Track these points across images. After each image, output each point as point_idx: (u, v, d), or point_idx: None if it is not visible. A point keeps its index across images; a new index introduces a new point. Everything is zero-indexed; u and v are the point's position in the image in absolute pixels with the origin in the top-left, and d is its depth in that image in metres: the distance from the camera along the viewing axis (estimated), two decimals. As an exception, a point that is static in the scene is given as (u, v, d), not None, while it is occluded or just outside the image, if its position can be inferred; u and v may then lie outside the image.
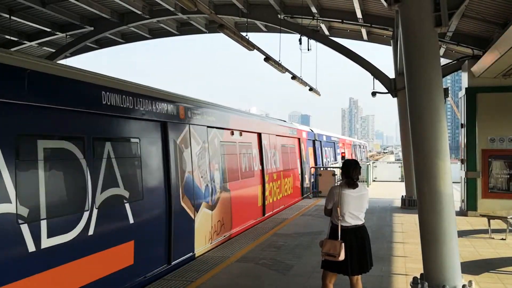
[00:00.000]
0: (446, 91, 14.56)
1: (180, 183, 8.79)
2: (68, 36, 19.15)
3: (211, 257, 9.29)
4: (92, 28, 18.48)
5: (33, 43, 19.42)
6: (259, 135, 14.52)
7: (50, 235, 5.62)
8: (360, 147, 52.90)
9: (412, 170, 12.35)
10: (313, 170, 22.25)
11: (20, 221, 5.24)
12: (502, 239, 11.19)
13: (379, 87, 17.58)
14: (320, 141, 25.73)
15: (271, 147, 15.72)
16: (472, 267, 8.45)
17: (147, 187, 7.84)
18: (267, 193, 14.70)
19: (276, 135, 16.50)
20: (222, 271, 8.26)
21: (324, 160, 26.89)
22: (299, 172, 19.85)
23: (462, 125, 15.49)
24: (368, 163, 27.16)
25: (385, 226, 12.94)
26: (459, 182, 15.83)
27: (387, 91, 17.26)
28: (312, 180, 22.80)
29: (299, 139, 20.22)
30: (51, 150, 5.89)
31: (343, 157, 31.86)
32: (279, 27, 16.96)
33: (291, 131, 19.20)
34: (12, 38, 18.34)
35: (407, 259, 9.16)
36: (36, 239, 5.42)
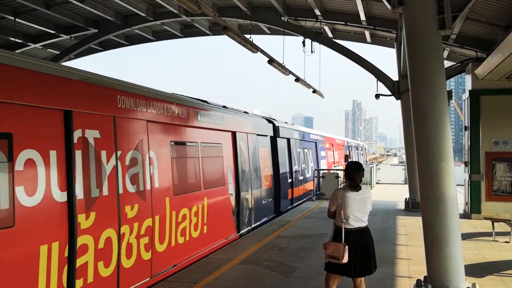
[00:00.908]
0: (449, 93, 14.61)
1: None
2: (72, 38, 19.24)
3: (214, 258, 9.30)
4: (96, 30, 18.57)
5: (37, 45, 19.51)
6: (76, 117, 6.34)
7: None
8: (357, 149, 44.04)
9: (415, 172, 12.35)
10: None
11: None
12: (506, 242, 11.16)
13: (383, 89, 17.60)
14: (288, 139, 17.91)
15: (134, 147, 7.57)
16: (476, 270, 8.43)
17: None
18: (85, 257, 6.34)
19: (158, 123, 8.37)
20: (225, 273, 8.27)
21: (295, 167, 18.63)
22: (232, 190, 11.68)
23: (465, 128, 15.48)
24: (371, 166, 27.07)
25: (388, 229, 12.93)
26: (462, 185, 15.80)
27: (390, 93, 17.26)
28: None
29: (233, 133, 12.09)
30: None
31: (346, 159, 31.67)
32: (282, 29, 16.98)
33: (211, 119, 10.65)
34: (16, 40, 18.44)
35: (410, 261, 9.15)
36: None
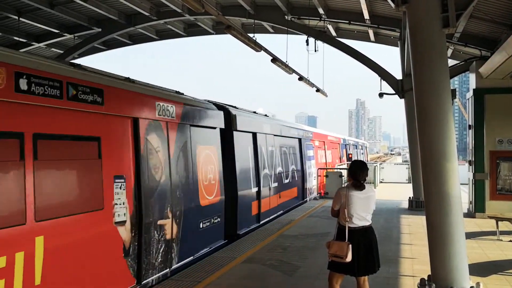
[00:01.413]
0: (453, 92, 14.57)
1: None
2: (76, 38, 19.28)
3: (218, 257, 9.31)
4: (99, 30, 18.60)
5: (41, 44, 19.55)
6: None
7: None
8: (356, 148, 39.81)
9: (419, 171, 12.31)
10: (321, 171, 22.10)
11: None
12: (511, 241, 11.12)
13: (386, 88, 17.56)
14: (253, 134, 13.58)
15: None
16: (480, 269, 8.41)
17: None
18: None
19: None
20: (228, 272, 8.27)
21: (265, 171, 14.17)
22: (124, 216, 7.25)
23: (469, 127, 15.43)
24: (375, 165, 27.03)
25: (392, 228, 12.91)
26: (467, 184, 15.75)
27: (394, 92, 17.24)
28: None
29: (134, 121, 7.68)
30: None
31: (350, 158, 31.59)
32: (286, 28, 16.97)
33: (68, 93, 6.19)
34: (20, 39, 18.50)
35: (414, 260, 9.14)
36: None
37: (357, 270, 5.83)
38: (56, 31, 18.31)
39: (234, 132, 12.03)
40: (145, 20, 17.84)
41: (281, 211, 15.70)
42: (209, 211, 10.07)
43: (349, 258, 5.67)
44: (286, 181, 16.79)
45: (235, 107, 12.94)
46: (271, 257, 9.38)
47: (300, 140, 19.48)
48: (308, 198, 19.90)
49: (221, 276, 8.03)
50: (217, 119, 11.08)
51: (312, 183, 21.07)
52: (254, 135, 13.65)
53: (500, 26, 12.68)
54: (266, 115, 16.47)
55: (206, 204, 9.90)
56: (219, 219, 10.63)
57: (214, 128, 10.89)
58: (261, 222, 13.50)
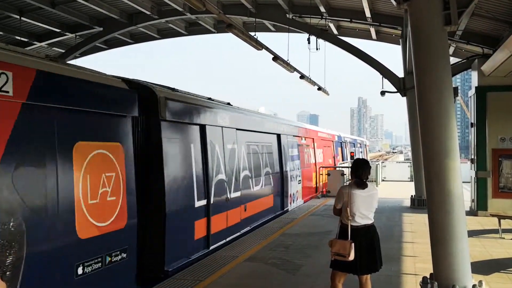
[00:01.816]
0: (455, 90, 14.55)
1: None
2: (77, 37, 19.30)
3: (220, 256, 9.30)
4: (101, 29, 18.61)
5: (43, 43, 19.58)
6: None
7: None
8: (354, 146, 35.62)
9: (421, 169, 12.30)
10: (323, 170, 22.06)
11: None
12: (513, 239, 11.11)
13: (388, 86, 17.56)
14: (202, 127, 9.86)
15: None
16: (482, 267, 8.40)
17: None
18: None
19: None
20: (231, 271, 8.27)
21: (219, 177, 10.40)
22: None
23: (472, 125, 15.41)
24: (377, 163, 26.99)
25: (394, 226, 12.90)
26: (469, 182, 15.74)
27: (396, 90, 17.23)
28: None
29: None
30: None
31: (352, 157, 31.57)
32: (287, 26, 16.96)
33: None
34: (22, 39, 18.52)
35: (416, 258, 9.13)
36: None
37: (359, 269, 5.83)
38: (58, 30, 18.33)
39: (163, 123, 8.33)
40: (147, 19, 17.85)
41: (248, 228, 12.15)
42: (99, 246, 6.48)
43: (351, 256, 5.66)
44: (256, 188, 13.11)
45: (173, 89, 9.49)
46: (273, 255, 9.38)
47: (279, 136, 15.80)
48: (290, 207, 16.30)
49: (223, 275, 8.02)
50: (127, 103, 7.45)
51: (296, 188, 17.39)
52: (203, 128, 9.86)
53: (502, 23, 12.65)
54: (229, 103, 12.51)
55: (93, 235, 6.34)
56: (124, 255, 6.97)
57: (123, 115, 7.31)
58: (212, 247, 9.80)
